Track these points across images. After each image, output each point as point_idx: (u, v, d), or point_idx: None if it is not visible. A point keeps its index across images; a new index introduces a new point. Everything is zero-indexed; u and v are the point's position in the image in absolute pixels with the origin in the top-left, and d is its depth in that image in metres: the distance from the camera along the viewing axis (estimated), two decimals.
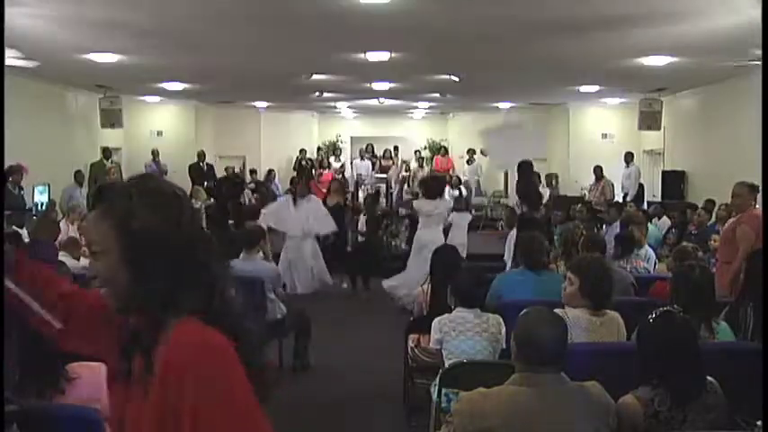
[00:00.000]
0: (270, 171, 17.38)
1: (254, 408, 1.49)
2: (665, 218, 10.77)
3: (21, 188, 10.15)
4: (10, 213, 8.90)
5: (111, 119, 13.18)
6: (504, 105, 17.63)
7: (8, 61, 9.21)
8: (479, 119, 19.48)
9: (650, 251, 7.08)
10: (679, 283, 3.78)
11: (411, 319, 5.42)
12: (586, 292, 3.74)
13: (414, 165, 18.90)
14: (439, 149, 20.13)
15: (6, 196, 9.53)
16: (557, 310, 3.19)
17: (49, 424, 2.46)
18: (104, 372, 2.93)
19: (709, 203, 10.06)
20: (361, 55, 9.47)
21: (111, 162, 13.66)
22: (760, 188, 6.09)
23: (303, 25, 7.60)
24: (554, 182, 15.62)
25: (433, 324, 4.24)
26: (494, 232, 14.18)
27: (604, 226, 9.58)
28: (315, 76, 11.76)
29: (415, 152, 19.68)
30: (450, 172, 17.97)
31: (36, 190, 11.47)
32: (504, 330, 4.12)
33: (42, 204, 11.16)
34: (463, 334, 4.11)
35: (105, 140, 14.07)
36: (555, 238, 7.66)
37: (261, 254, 6.45)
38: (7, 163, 9.33)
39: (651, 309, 2.95)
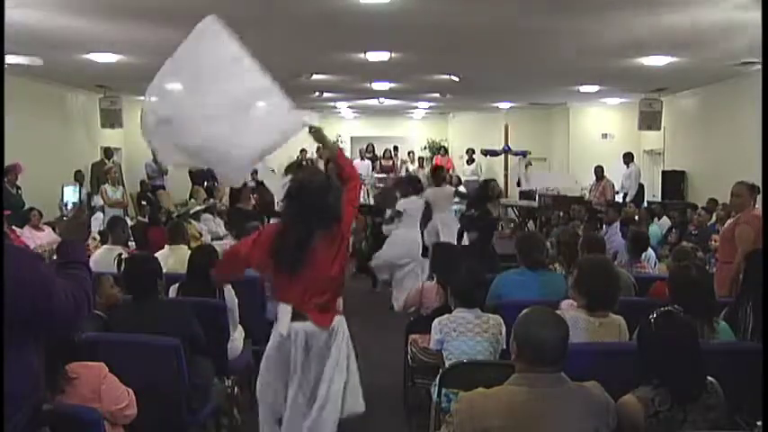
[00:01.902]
0: (271, 171, 17.35)
1: None
2: (665, 218, 10.77)
3: (18, 188, 10.14)
4: (9, 213, 8.91)
5: (111, 119, 13.19)
6: (504, 105, 17.62)
7: (8, 61, 9.21)
8: (479, 119, 19.49)
9: (651, 251, 7.07)
10: (677, 284, 3.78)
11: (411, 318, 5.42)
12: (582, 290, 3.74)
13: (412, 166, 18.89)
14: (439, 149, 20.12)
15: (7, 197, 9.53)
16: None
17: (48, 423, 2.46)
18: (104, 372, 2.94)
19: (712, 203, 10.06)
20: (361, 55, 9.46)
21: (112, 162, 13.66)
22: (760, 188, 6.08)
23: (303, 25, 7.60)
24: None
25: (433, 324, 4.23)
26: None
27: (604, 226, 9.57)
28: (315, 76, 11.75)
29: (409, 153, 19.64)
30: (450, 172, 17.97)
31: (66, 189, 11.51)
32: (504, 330, 4.12)
33: (69, 204, 11.20)
34: (464, 335, 4.10)
35: (105, 140, 14.08)
36: (552, 239, 7.67)
37: None
38: (8, 163, 9.34)
39: (651, 309, 2.94)
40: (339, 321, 3.70)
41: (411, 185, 9.08)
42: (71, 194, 11.62)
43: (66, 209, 10.79)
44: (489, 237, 7.87)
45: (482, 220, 7.95)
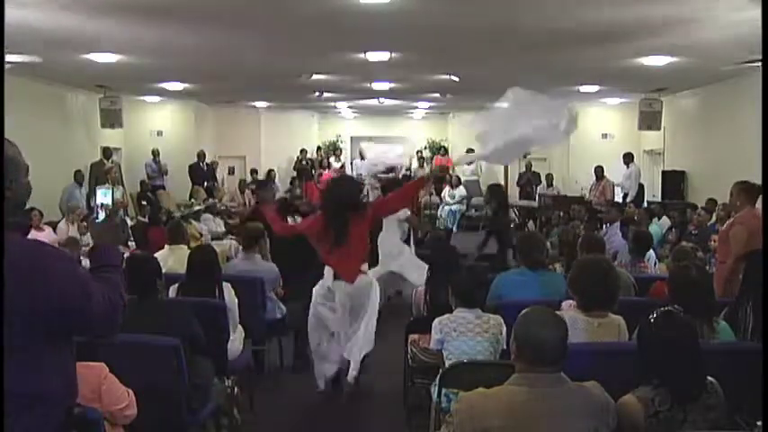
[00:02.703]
0: (270, 171, 17.43)
1: None
2: (665, 218, 10.78)
3: None
4: None
5: (111, 119, 13.18)
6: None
7: (8, 61, 9.20)
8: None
9: (651, 251, 7.07)
10: (676, 284, 3.77)
11: (411, 318, 5.42)
12: (577, 290, 3.72)
13: (414, 165, 18.92)
14: (439, 149, 20.13)
15: None
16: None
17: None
18: (104, 372, 2.94)
19: (711, 203, 10.06)
20: (362, 55, 9.46)
21: (111, 162, 13.66)
22: (761, 188, 6.05)
23: (303, 25, 7.60)
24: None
25: (433, 325, 4.23)
26: None
27: (604, 226, 9.57)
28: (315, 76, 11.75)
29: (417, 152, 19.68)
30: (450, 172, 17.97)
31: (99, 192, 11.46)
32: (504, 330, 4.12)
33: (102, 206, 11.13)
34: (464, 335, 4.10)
35: (105, 140, 14.07)
36: (553, 239, 7.67)
37: (259, 254, 6.44)
38: None
39: (651, 309, 2.94)
40: (371, 281, 5.46)
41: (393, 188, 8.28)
42: (104, 197, 11.55)
43: (99, 210, 10.66)
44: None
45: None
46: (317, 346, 5.50)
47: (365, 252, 5.47)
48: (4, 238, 2.07)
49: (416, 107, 19.24)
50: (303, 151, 19.08)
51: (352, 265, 5.30)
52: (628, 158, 14.17)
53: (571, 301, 3.91)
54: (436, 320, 4.23)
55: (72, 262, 2.26)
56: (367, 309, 5.35)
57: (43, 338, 2.11)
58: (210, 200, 13.50)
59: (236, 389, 4.74)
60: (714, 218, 9.50)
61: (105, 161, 13.42)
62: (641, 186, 14.19)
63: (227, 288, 4.94)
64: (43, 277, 2.08)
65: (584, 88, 13.53)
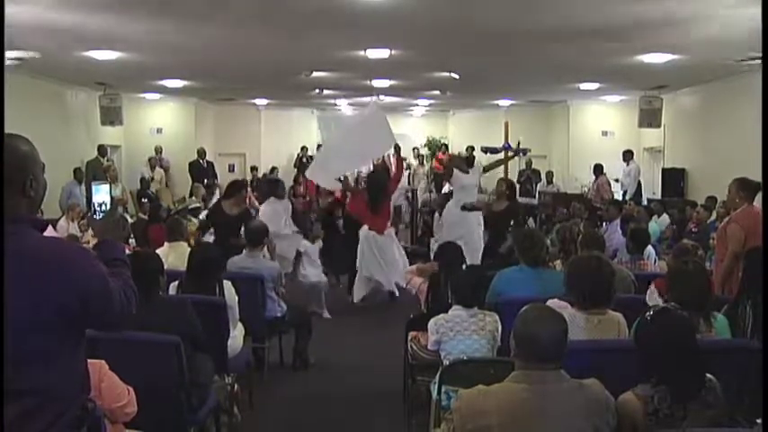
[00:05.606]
0: (273, 169, 17.46)
1: None
2: (665, 215, 10.78)
3: None
4: None
5: (111, 116, 13.17)
6: (504, 103, 17.61)
7: (8, 59, 9.19)
8: (480, 116, 19.48)
9: (651, 250, 7.07)
10: (673, 279, 3.76)
11: (411, 316, 5.42)
12: (570, 288, 3.71)
13: (414, 162, 18.88)
14: (439, 147, 20.11)
15: None
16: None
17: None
18: (104, 369, 2.93)
19: (711, 201, 10.06)
20: (362, 52, 9.45)
21: (108, 159, 13.64)
22: (760, 186, 6.03)
23: (303, 22, 7.60)
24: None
25: (429, 325, 4.22)
26: None
27: (604, 224, 9.57)
28: (315, 74, 11.74)
29: (413, 149, 19.63)
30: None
31: (95, 189, 11.38)
32: (500, 328, 4.11)
33: (104, 204, 11.06)
34: (461, 333, 4.09)
35: (105, 138, 14.07)
36: (553, 236, 7.65)
37: (265, 251, 6.46)
38: None
39: (650, 306, 2.94)
40: (392, 233, 8.96)
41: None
42: (103, 195, 11.48)
43: (101, 209, 10.55)
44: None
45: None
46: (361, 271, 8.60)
47: (389, 216, 8.97)
48: (27, 235, 2.07)
49: (416, 104, 19.21)
50: (304, 148, 19.08)
51: (384, 223, 8.66)
52: (628, 156, 14.16)
53: (557, 300, 3.88)
54: (431, 321, 4.22)
55: (94, 258, 2.25)
56: (394, 252, 8.63)
57: (63, 335, 2.11)
58: (213, 198, 13.48)
59: (236, 386, 4.75)
60: (714, 215, 9.50)
61: (101, 159, 13.40)
62: (639, 184, 14.19)
63: (227, 285, 4.93)
64: (68, 274, 2.08)
65: (585, 86, 13.52)
